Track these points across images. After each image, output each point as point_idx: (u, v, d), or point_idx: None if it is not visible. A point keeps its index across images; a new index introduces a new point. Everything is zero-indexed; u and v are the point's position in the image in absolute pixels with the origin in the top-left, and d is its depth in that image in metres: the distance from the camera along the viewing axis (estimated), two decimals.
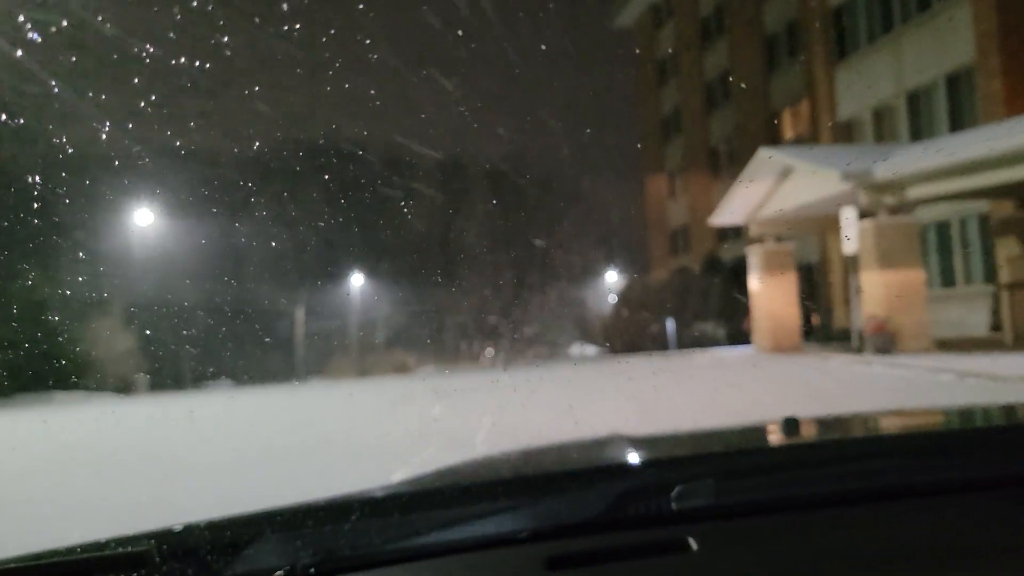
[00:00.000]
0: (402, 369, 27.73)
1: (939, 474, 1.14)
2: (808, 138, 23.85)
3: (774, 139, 25.79)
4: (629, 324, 24.85)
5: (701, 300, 26.09)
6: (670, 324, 22.83)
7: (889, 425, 1.74)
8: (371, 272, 63.80)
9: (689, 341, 23.49)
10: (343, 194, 65.47)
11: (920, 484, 1.11)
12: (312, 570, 0.96)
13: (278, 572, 0.95)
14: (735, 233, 29.29)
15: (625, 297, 34.37)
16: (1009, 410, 1.70)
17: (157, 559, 0.94)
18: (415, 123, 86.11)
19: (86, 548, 1.00)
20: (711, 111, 30.58)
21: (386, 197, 67.15)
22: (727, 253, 27.43)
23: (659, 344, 24.17)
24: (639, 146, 38.69)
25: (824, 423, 1.71)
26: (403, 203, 68.60)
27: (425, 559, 0.99)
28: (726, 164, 29.88)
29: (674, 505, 1.03)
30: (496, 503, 1.11)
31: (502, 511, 1.09)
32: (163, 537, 1.02)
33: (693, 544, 0.96)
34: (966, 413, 1.84)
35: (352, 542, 1.02)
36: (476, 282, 63.76)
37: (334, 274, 63.18)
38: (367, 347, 48.49)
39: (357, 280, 59.84)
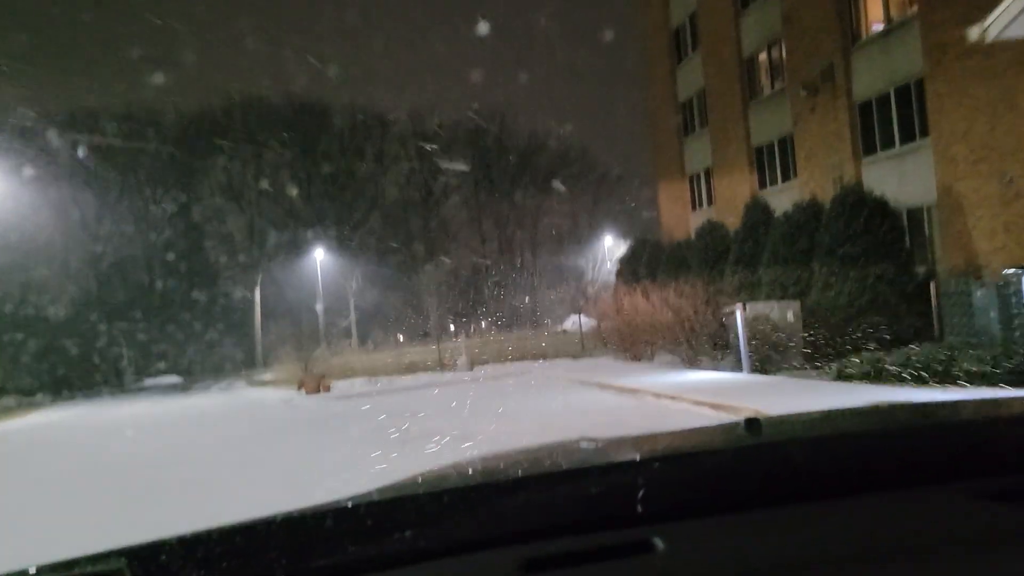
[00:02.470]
0: (314, 386, 19.64)
1: (902, 470, 1.16)
2: (912, 16, 15.72)
3: (851, 34, 17.65)
4: (644, 315, 16.59)
5: (747, 273, 18.11)
6: (738, 316, 13.21)
7: (850, 423, 1.74)
8: (337, 248, 55.67)
9: (764, 347, 13.76)
10: (304, 159, 57.05)
11: (882, 479, 1.13)
12: None
13: None
14: (783, 172, 21.28)
15: (631, 269, 26.42)
16: (967, 406, 1.79)
17: None
18: (374, 69, 77.10)
19: (56, 567, 0.99)
20: (743, 9, 22.37)
21: (352, 161, 58.79)
22: (778, 199, 19.41)
23: (717, 346, 15.69)
24: (644, 74, 30.54)
25: (786, 422, 1.70)
26: (371, 167, 60.29)
27: (401, 566, 0.99)
28: (767, 78, 21.77)
29: (640, 506, 1.06)
30: (469, 508, 1.12)
31: (475, 516, 1.10)
32: (135, 554, 0.99)
33: (660, 544, 0.98)
34: (930, 408, 1.94)
35: (327, 551, 1.02)
36: (452, 252, 55.52)
37: (292, 251, 55.07)
38: (322, 339, 40.39)
39: (319, 257, 51.79)
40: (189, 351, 50.17)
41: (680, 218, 27.08)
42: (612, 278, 31.27)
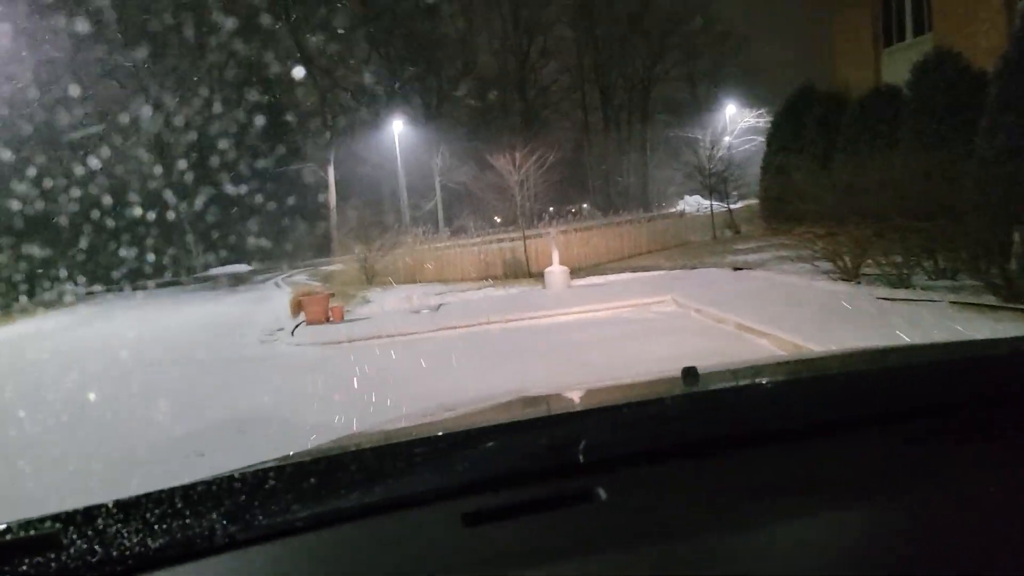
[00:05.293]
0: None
1: (837, 415, 1.16)
2: None
3: None
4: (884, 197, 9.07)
5: None
6: None
7: (783, 371, 1.78)
8: (423, 122, 49.08)
9: None
10: None
11: (817, 425, 1.13)
12: (228, 542, 0.95)
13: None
14: None
15: (788, 132, 18.94)
16: (892, 353, 1.86)
17: (64, 541, 0.92)
18: None
19: None
20: None
21: (438, 20, 51.24)
22: None
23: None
24: None
25: (723, 373, 1.71)
26: (460, 27, 52.64)
27: (343, 523, 0.98)
28: None
29: (582, 456, 1.05)
30: (411, 464, 1.10)
31: (416, 471, 1.08)
32: (69, 519, 0.97)
33: (602, 493, 0.98)
34: (860, 356, 1.96)
35: (267, 511, 1.00)
36: (551, 125, 48.05)
37: (372, 126, 48.88)
38: (403, 226, 34.34)
39: (397, 130, 45.52)
40: (261, 238, 45.48)
41: (861, 61, 19.35)
42: (756, 147, 23.95)
